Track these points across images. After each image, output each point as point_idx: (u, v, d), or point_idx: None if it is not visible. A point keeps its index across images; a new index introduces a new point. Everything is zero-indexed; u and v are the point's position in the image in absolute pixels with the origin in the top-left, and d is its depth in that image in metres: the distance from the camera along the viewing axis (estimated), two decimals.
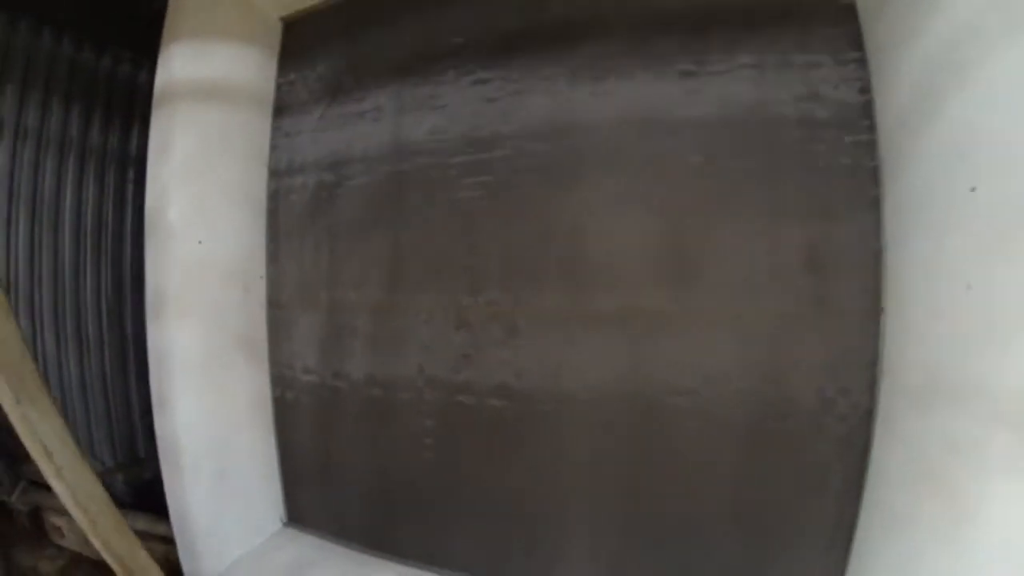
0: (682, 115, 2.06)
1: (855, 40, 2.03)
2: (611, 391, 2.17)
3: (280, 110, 2.80)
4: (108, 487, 2.38)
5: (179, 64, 2.70)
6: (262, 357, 2.79)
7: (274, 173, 2.77)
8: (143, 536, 2.50)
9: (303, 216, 2.72)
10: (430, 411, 2.48)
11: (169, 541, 2.82)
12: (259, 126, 2.79)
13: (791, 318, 2.00)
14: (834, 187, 2.00)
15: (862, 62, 2.02)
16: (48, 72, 3.93)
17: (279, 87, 2.82)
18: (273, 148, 2.78)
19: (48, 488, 3.85)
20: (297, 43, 2.84)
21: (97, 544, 2.35)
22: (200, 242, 2.55)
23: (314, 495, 2.82)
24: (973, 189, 1.62)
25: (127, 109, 4.45)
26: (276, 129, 2.78)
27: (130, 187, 4.49)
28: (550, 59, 2.21)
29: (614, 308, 2.14)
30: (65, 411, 3.89)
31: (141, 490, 4.05)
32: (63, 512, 3.71)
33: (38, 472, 3.32)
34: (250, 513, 2.83)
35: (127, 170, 4.48)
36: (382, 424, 2.60)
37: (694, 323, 2.05)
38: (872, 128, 1.97)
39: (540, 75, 2.22)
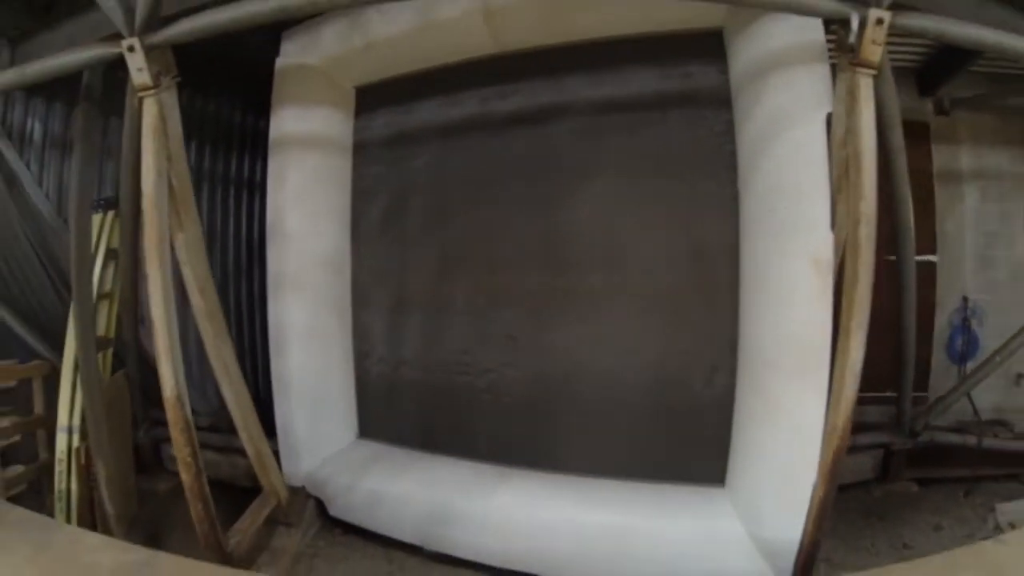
0: (614, 163, 3.27)
1: (730, 113, 3.19)
2: (572, 337, 3.40)
3: (357, 152, 4.08)
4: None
5: (287, 122, 3.98)
6: (348, 319, 4.09)
7: (355, 196, 4.06)
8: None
9: (376, 226, 4.01)
10: (465, 349, 3.75)
11: None
12: (343, 164, 4.08)
13: (685, 287, 3.19)
14: (713, 206, 3.17)
15: (731, 123, 3.17)
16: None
17: (355, 136, 4.10)
18: (353, 179, 4.07)
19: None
20: (367, 105, 4.10)
21: (244, 436, 3.63)
22: (307, 243, 3.85)
23: (379, 415, 4.11)
24: (771, 210, 2.78)
25: (227, 143, 5.81)
26: (355, 166, 4.07)
27: (231, 201, 5.87)
28: (533, 135, 3.47)
29: (570, 285, 3.39)
30: (191, 364, 5.26)
31: None
32: None
33: (162, 414, 4.68)
34: (335, 428, 4.13)
35: (229, 188, 5.86)
36: (429, 364, 3.88)
37: (619, 295, 3.27)
38: (735, 168, 3.12)
39: (528, 141, 3.48)
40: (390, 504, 3.58)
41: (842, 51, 2.54)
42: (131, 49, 2.60)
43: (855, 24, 2.36)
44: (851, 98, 2.51)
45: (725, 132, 3.15)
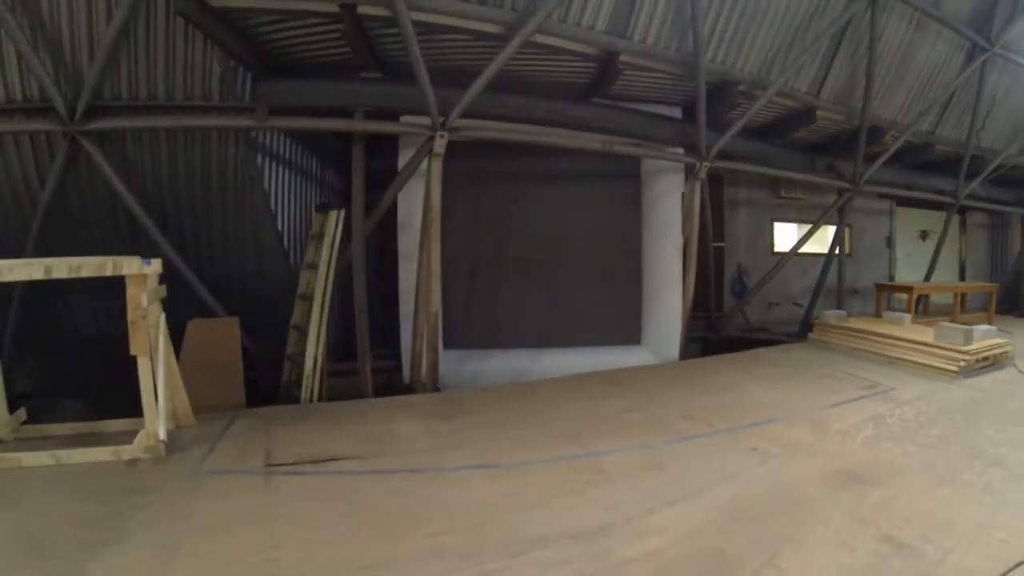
0: (587, 199, 7.36)
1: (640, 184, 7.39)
2: (566, 283, 7.42)
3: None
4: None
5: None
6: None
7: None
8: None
9: (455, 224, 7.39)
10: (505, 293, 7.45)
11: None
12: None
13: (618, 264, 7.39)
14: (633, 227, 7.36)
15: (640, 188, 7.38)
16: None
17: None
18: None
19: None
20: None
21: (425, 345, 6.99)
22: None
23: (457, 334, 7.43)
24: (658, 228, 7.05)
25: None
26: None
27: None
28: (541, 183, 7.33)
29: (564, 256, 7.42)
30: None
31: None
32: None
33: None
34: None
35: None
36: (485, 301, 7.46)
37: (586, 259, 7.41)
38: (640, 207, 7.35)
39: (529, 187, 7.33)
40: (485, 375, 7.00)
41: (690, 173, 6.79)
42: (441, 136, 5.36)
43: (698, 167, 6.61)
44: (691, 188, 6.80)
45: (636, 192, 7.35)
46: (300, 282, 5.80)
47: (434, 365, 5.86)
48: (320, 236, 5.75)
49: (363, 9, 4.73)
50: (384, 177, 6.11)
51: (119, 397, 5.38)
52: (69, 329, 5.79)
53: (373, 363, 6.05)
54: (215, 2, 4.51)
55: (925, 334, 6.13)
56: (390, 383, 6.79)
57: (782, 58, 6.47)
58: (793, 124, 7.58)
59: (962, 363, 5.60)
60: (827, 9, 6.42)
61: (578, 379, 5.71)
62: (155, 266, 3.76)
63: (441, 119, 5.33)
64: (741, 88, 6.44)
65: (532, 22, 4.98)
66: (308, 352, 5.55)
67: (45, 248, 4.88)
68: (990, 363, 5.89)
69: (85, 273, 3.58)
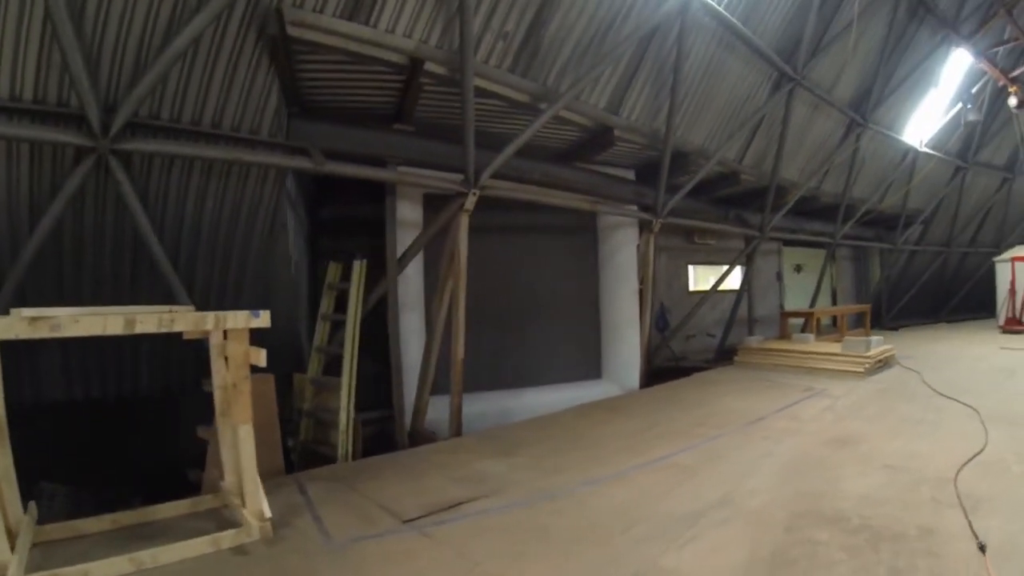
0: (552, 250, 8.06)
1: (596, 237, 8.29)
2: (536, 327, 8.02)
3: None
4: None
5: (404, 212, 7.46)
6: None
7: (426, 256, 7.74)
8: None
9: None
10: (488, 337, 7.86)
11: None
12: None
13: (579, 308, 8.16)
14: (591, 275, 8.20)
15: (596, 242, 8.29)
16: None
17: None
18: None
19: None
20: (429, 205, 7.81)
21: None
22: (415, 281, 7.39)
23: (443, 381, 7.77)
24: (616, 276, 7.97)
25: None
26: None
27: None
28: (510, 237, 7.91)
29: (534, 303, 8.02)
30: None
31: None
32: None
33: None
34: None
35: None
36: (471, 347, 7.81)
37: (552, 307, 8.08)
38: (597, 257, 8.23)
39: (510, 237, 7.93)
40: (477, 416, 7.15)
41: (646, 227, 7.80)
42: (474, 194, 5.62)
43: (654, 223, 7.63)
44: (646, 241, 7.84)
45: (592, 244, 8.23)
46: (316, 334, 5.65)
47: (458, 411, 6.04)
48: (336, 287, 5.71)
49: (430, 66, 4.92)
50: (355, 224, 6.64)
51: (103, 473, 5.01)
52: (30, 395, 5.03)
53: (366, 414, 5.85)
54: (294, 31, 4.27)
55: (834, 347, 7.72)
56: (383, 433, 6.76)
57: (720, 133, 7.85)
58: (721, 185, 9.07)
59: (867, 365, 7.18)
60: (756, 97, 8.06)
61: (581, 409, 6.33)
62: (263, 318, 3.28)
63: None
64: (691, 156, 7.65)
65: (563, 99, 5.67)
66: (341, 407, 5.25)
67: (22, 294, 4.01)
68: (883, 364, 7.59)
69: (179, 327, 3.10)
